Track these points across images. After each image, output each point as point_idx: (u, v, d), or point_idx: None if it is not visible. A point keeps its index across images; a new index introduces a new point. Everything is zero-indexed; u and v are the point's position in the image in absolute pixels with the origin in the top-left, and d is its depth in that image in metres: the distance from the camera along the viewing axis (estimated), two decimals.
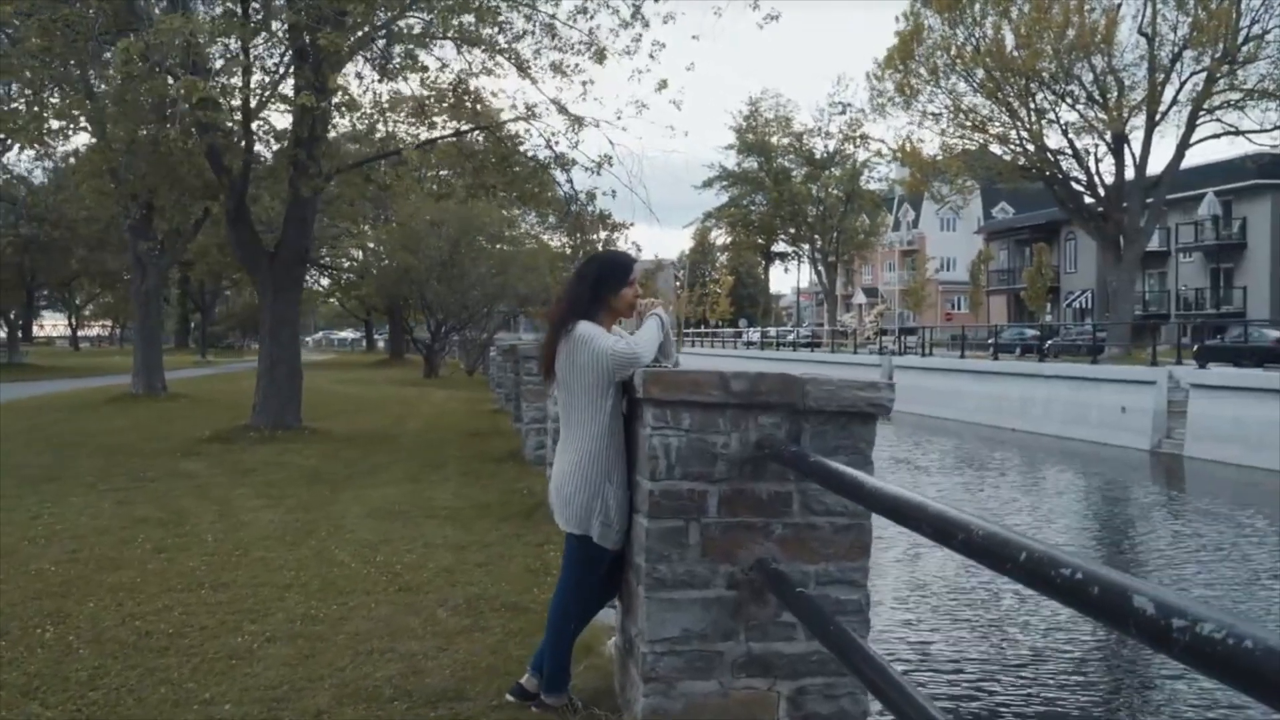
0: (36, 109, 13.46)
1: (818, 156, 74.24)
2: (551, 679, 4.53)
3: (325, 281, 57.14)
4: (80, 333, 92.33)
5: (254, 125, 15.15)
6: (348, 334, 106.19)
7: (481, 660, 5.28)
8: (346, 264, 49.89)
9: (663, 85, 17.67)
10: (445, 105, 17.22)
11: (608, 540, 4.37)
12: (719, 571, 4.17)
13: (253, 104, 14.71)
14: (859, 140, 68.24)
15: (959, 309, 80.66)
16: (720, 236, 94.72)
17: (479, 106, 17.56)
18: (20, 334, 79.62)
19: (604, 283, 4.59)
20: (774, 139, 76.30)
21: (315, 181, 14.65)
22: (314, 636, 5.68)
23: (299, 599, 6.49)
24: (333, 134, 18.16)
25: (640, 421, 4.31)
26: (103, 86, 13.47)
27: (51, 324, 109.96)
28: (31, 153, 25.88)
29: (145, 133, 13.84)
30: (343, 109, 16.94)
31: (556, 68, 16.68)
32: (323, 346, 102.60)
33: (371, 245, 45.86)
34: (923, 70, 41.62)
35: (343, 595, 6.58)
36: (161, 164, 14.99)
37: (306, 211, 16.22)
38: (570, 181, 17.46)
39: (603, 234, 18.91)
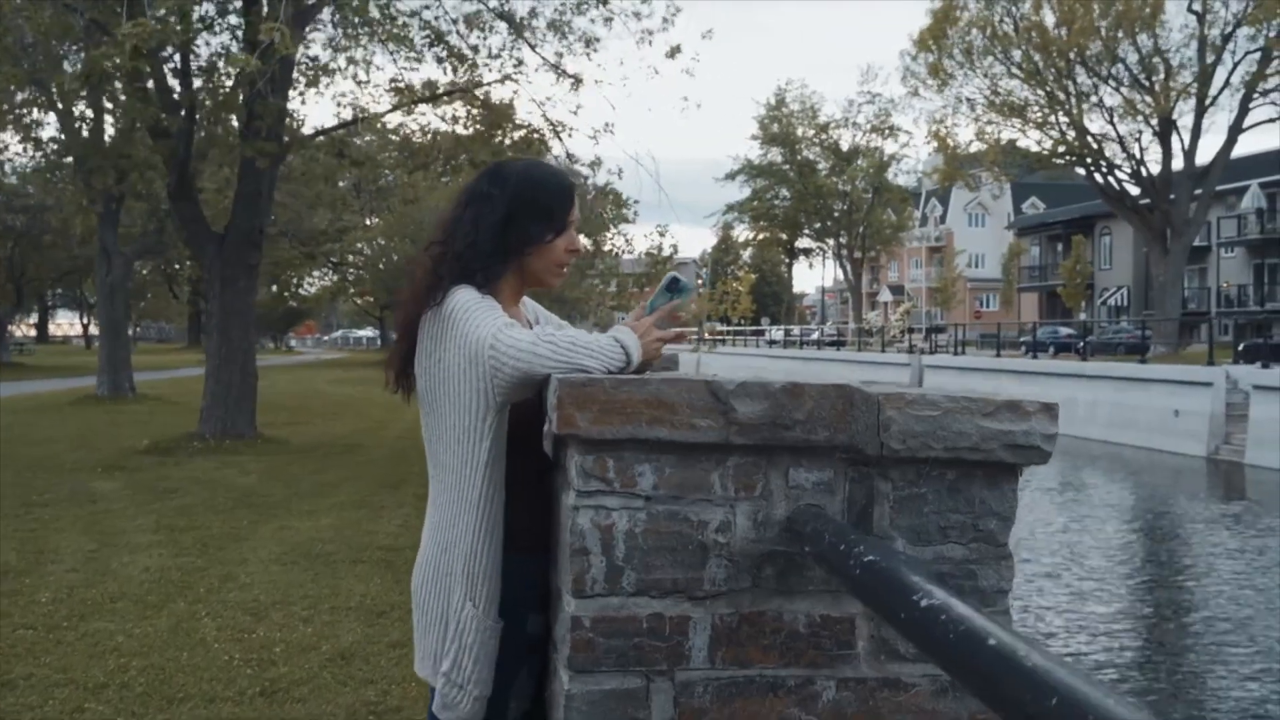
0: None
1: (844, 149, 71.94)
2: None
3: (334, 278, 55.24)
4: (95, 331, 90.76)
5: (195, 83, 13.05)
6: (366, 332, 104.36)
7: None
8: (351, 258, 47.84)
9: (675, 51, 15.91)
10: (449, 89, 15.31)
11: (450, 709, 2.19)
12: None
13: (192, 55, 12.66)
14: (887, 131, 66.20)
15: (989, 306, 78.43)
16: (743, 232, 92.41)
17: (471, 76, 15.53)
18: (37, 332, 78.16)
19: (520, 220, 2.29)
20: (799, 130, 73.88)
21: (263, 144, 12.40)
22: None
23: (101, 714, 4.37)
24: (299, 107, 16.17)
25: (562, 479, 2.21)
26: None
27: (68, 322, 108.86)
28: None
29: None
30: (311, 73, 14.97)
31: (555, 26, 14.77)
32: (338, 345, 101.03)
33: (382, 241, 44.18)
34: (957, 51, 39.42)
35: (170, 705, 4.46)
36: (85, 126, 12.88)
37: (261, 186, 14.01)
38: (569, 154, 15.34)
39: (610, 216, 16.90)
